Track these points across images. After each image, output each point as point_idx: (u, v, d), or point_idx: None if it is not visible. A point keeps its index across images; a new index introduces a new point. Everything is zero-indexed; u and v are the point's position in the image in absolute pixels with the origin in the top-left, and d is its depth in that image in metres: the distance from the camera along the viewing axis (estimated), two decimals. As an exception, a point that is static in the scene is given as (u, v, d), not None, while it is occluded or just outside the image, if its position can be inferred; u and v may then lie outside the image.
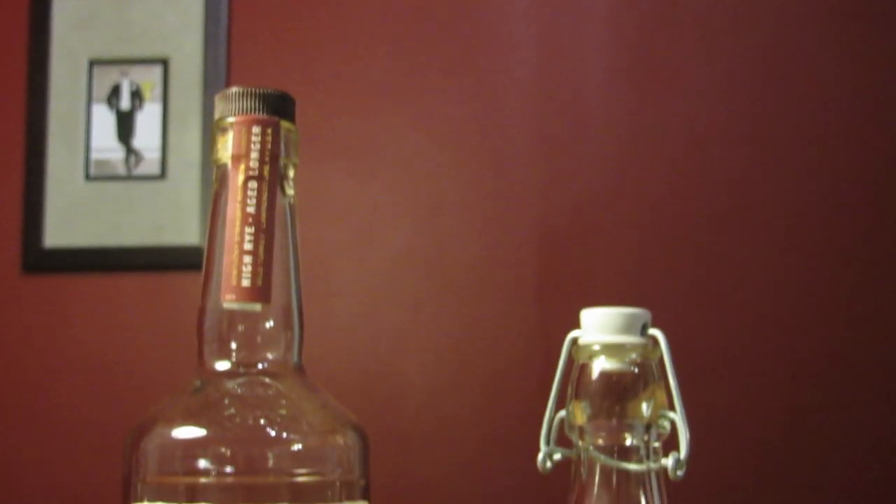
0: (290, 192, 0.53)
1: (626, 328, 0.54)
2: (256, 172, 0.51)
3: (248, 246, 0.50)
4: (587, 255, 1.36)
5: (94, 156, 1.48)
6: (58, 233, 1.46)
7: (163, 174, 1.47)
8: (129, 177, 1.47)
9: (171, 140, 1.48)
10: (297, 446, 0.49)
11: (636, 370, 0.54)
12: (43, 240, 1.45)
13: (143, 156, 1.47)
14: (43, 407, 1.37)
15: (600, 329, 0.54)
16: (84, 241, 1.46)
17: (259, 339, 0.52)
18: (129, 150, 1.48)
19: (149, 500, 0.49)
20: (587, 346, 0.54)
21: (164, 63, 1.49)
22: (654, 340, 0.55)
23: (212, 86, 1.45)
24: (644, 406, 0.53)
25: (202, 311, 0.52)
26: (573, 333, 0.56)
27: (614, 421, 0.53)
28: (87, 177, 1.47)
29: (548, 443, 0.56)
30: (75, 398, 1.36)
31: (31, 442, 1.35)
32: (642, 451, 0.54)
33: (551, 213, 1.37)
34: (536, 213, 1.37)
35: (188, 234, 1.45)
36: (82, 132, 1.48)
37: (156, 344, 1.36)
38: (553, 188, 1.38)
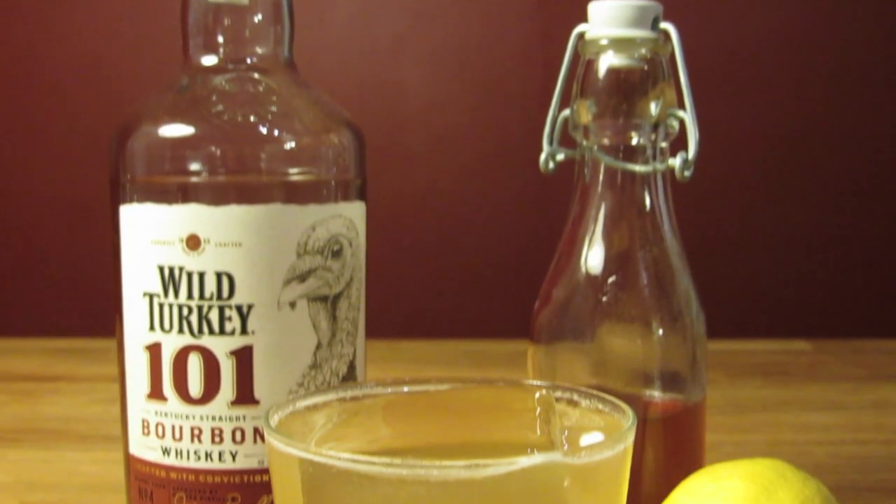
0: None
1: (636, 22, 0.51)
2: None
3: (230, -69, 0.47)
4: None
5: None
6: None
7: None
8: None
9: None
10: (289, 144, 0.47)
11: (645, 66, 0.51)
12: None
13: None
14: (30, 112, 1.35)
15: (608, 23, 0.51)
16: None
17: (247, 32, 0.49)
18: None
19: (138, 201, 0.47)
20: (594, 41, 0.51)
21: None
22: (666, 35, 0.52)
23: None
24: (652, 104, 0.51)
25: (185, 3, 0.49)
26: (580, 27, 0.53)
27: (621, 120, 0.51)
28: None
29: (550, 143, 0.54)
30: (61, 102, 1.33)
31: (19, 148, 1.34)
32: (649, 152, 0.52)
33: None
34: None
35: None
36: None
37: (144, 50, 1.32)
38: None
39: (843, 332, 1.25)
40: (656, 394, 0.51)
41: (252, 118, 0.47)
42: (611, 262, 0.51)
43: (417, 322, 1.29)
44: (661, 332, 0.50)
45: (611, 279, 0.51)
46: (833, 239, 1.30)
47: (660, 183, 0.52)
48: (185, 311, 0.46)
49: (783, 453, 0.48)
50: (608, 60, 0.51)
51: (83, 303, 1.29)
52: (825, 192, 1.30)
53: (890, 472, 0.72)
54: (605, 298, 0.50)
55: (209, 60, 0.49)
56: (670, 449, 0.51)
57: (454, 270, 1.31)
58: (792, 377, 1.04)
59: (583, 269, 0.51)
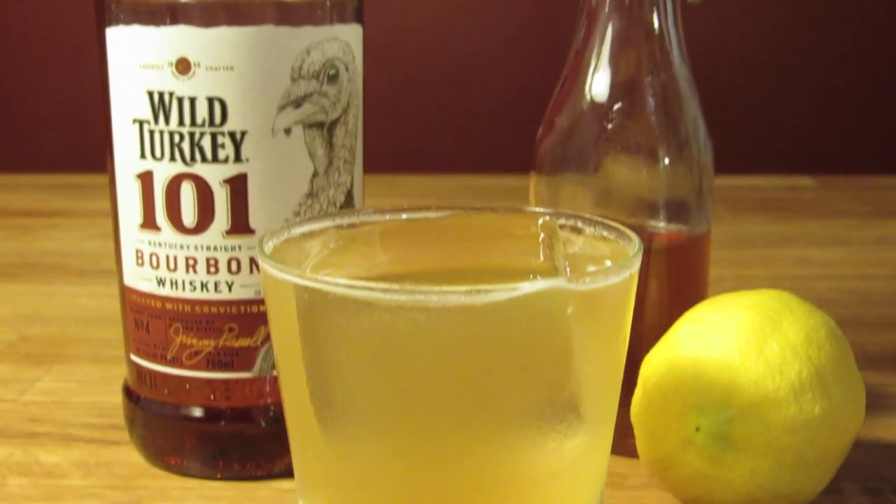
0: None
1: None
2: None
3: None
4: None
5: None
6: None
7: None
8: None
9: None
10: (281, -38, 0.45)
11: None
12: None
13: None
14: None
15: None
16: None
17: None
18: None
19: (124, 23, 0.45)
20: None
21: None
22: None
23: None
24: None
25: None
26: None
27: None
28: None
29: (556, -37, 0.51)
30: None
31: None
32: (658, -28, 0.49)
33: None
34: None
35: None
36: None
37: None
38: None
39: (848, 167, 1.24)
40: (661, 224, 0.50)
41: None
42: (617, 89, 0.49)
43: (416, 156, 1.28)
44: (667, 160, 0.49)
45: (616, 106, 0.49)
46: (840, 73, 1.28)
47: (669, 5, 0.50)
48: (177, 138, 0.45)
49: (785, 288, 0.47)
50: None
51: (79, 137, 1.27)
52: (836, 24, 1.27)
53: (892, 306, 0.72)
54: (610, 126, 0.49)
55: None
56: (674, 280, 0.50)
57: (454, 101, 1.28)
58: (795, 213, 1.03)
59: (587, 96, 0.49)
